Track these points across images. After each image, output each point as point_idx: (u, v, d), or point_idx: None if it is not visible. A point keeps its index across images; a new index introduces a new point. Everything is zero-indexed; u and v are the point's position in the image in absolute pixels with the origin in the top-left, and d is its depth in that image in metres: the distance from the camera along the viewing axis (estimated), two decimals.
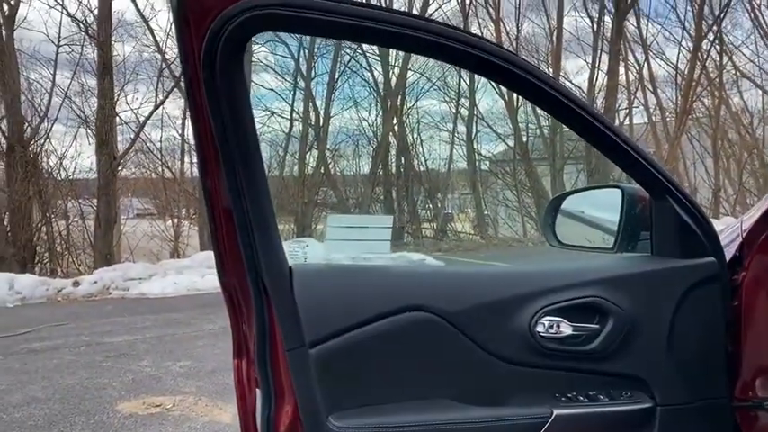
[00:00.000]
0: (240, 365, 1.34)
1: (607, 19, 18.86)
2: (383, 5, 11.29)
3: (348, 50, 18.36)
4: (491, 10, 18.84)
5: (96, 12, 13.16)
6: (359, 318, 1.24)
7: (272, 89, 17.96)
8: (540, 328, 1.31)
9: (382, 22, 1.13)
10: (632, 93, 20.14)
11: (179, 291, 9.36)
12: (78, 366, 5.40)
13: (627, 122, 19.98)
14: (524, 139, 19.26)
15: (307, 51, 18.01)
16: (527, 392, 1.31)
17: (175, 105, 19.96)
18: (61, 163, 14.17)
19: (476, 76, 19.15)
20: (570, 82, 19.42)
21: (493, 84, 19.21)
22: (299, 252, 10.14)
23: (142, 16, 14.83)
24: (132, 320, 7.37)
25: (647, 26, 20.27)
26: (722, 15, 18.72)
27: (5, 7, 12.67)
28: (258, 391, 1.28)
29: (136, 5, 15.00)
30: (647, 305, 1.36)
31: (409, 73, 18.57)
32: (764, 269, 1.43)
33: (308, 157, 17.92)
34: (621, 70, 19.11)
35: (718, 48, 19.29)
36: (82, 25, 13.61)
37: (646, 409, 1.33)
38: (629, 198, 1.49)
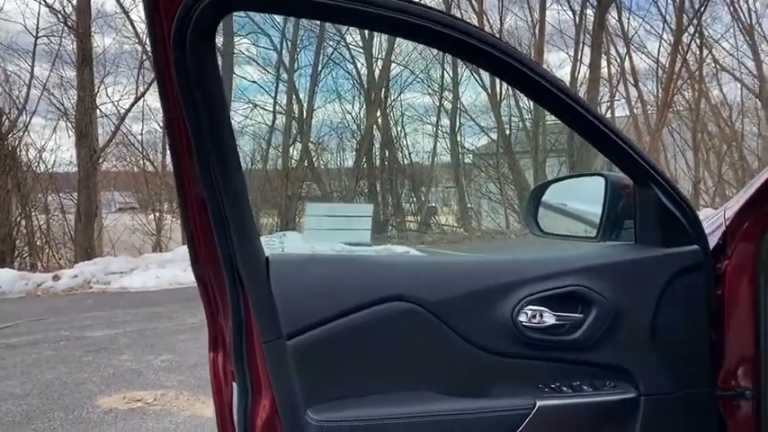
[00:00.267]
0: (216, 359, 1.30)
1: (589, 12, 19.01)
2: None
3: (331, 42, 18.29)
4: (474, 2, 18.85)
5: (75, 2, 12.95)
6: (338, 309, 1.21)
7: (254, 81, 17.86)
8: (522, 318, 1.28)
9: (357, 1, 1.09)
10: (614, 86, 20.33)
11: (161, 285, 9.28)
12: (58, 361, 5.32)
13: (609, 115, 20.10)
14: (507, 132, 19.33)
15: (289, 43, 17.91)
16: (509, 383, 1.29)
17: (156, 97, 19.60)
18: (40, 156, 13.99)
19: (459, 68, 19.22)
20: None
21: (476, 75, 19.33)
22: (276, 243, 10.02)
23: (122, 7, 14.63)
24: (113, 315, 7.28)
25: (628, 19, 20.43)
26: (702, 9, 18.89)
27: None
28: (234, 384, 1.25)
29: None
30: (631, 294, 1.34)
31: (393, 65, 18.53)
32: (748, 258, 1.42)
33: (291, 150, 17.84)
34: (603, 63, 19.29)
35: (698, 41, 19.49)
36: (60, 16, 13.39)
37: (629, 400, 1.32)
38: (612, 186, 1.47)
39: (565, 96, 1.26)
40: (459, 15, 18.78)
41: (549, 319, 1.29)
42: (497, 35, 18.35)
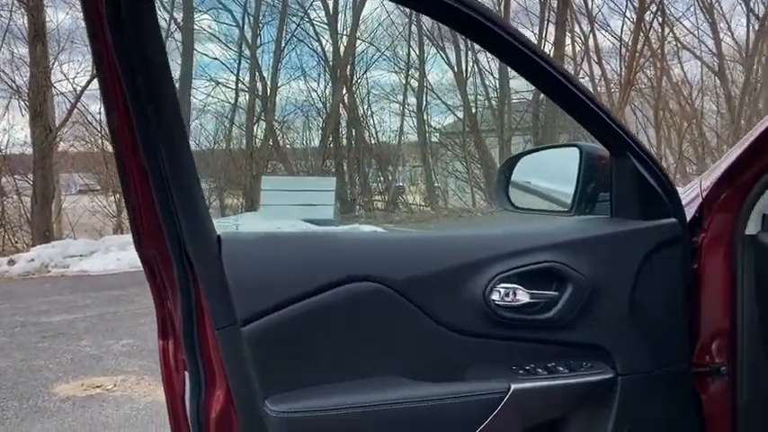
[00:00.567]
0: (166, 347, 1.20)
1: None
2: None
3: (294, 18, 17.95)
4: None
5: None
6: (298, 291, 1.12)
7: (216, 58, 17.48)
8: (495, 296, 1.21)
9: None
10: (578, 64, 20.41)
11: (121, 267, 9.03)
12: (12, 348, 5.12)
13: None
14: (473, 111, 19.34)
15: (252, 19, 17.52)
16: (483, 366, 1.22)
17: None
18: None
19: (425, 46, 19.09)
20: None
21: (442, 54, 19.24)
22: (230, 221, 9.65)
23: None
24: (72, 299, 7.07)
25: None
26: None
27: None
28: (187, 374, 1.15)
29: None
30: (608, 270, 1.28)
31: (358, 42, 18.29)
32: (725, 229, 1.37)
33: (255, 128, 17.53)
34: (568, 41, 19.33)
35: (660, 19, 19.66)
36: None
37: (606, 380, 1.26)
38: (587, 157, 1.40)
39: (538, 59, 1.17)
40: None
41: (523, 296, 1.22)
42: None
